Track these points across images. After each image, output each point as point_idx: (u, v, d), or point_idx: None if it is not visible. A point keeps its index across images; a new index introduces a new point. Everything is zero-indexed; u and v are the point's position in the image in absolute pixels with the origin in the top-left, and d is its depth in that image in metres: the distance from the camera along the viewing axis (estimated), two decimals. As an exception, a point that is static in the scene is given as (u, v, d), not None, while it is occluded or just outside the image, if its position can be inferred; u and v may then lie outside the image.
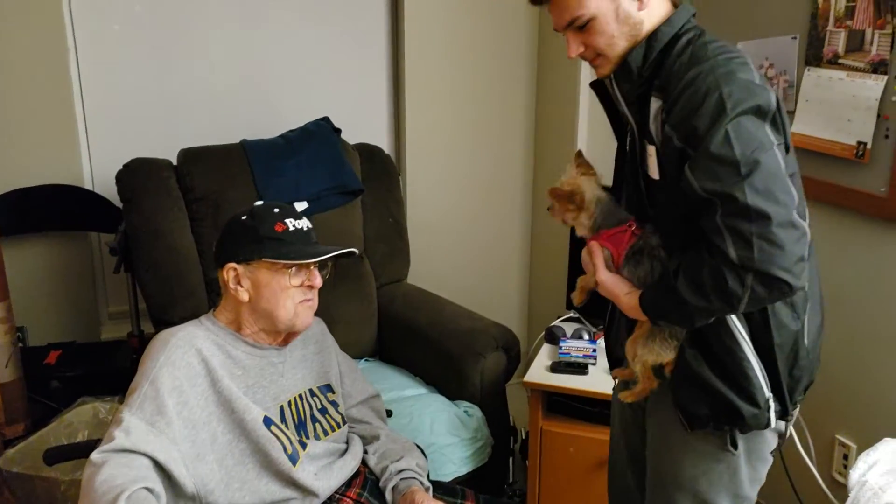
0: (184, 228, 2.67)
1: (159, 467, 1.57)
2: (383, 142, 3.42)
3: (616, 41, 1.50)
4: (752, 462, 1.64)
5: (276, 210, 1.82)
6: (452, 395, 2.64)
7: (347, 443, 1.94)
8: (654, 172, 1.52)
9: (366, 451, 1.96)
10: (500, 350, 2.62)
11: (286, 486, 1.74)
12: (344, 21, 3.28)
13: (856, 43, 2.14)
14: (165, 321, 2.60)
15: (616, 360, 1.83)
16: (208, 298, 2.67)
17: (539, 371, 2.49)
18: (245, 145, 2.81)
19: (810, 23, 2.27)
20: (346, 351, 2.44)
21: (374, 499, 1.86)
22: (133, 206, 2.64)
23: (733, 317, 1.49)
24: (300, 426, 1.83)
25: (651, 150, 1.51)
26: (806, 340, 1.55)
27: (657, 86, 1.48)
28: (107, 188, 2.90)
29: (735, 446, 1.59)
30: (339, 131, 2.99)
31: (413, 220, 3.39)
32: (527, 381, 2.44)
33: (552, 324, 2.78)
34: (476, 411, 2.56)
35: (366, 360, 2.92)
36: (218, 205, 2.69)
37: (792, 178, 1.46)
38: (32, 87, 2.82)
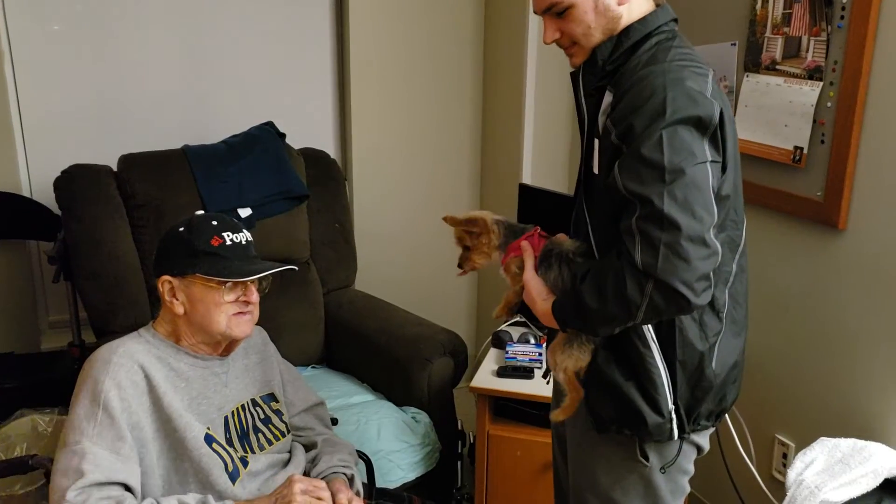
0: (125, 236, 2.62)
1: (130, 491, 1.60)
2: (330, 147, 3.40)
3: (592, 32, 1.50)
4: (670, 473, 1.63)
5: (215, 223, 1.78)
6: (400, 401, 2.63)
7: (291, 452, 1.92)
8: (597, 167, 1.52)
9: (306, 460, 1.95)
10: (447, 355, 2.62)
11: None
12: (287, 24, 3.25)
13: (792, 49, 2.18)
14: (107, 331, 2.56)
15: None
16: (151, 307, 2.62)
17: (485, 376, 2.49)
18: (187, 151, 2.77)
19: (749, 29, 2.31)
20: (292, 358, 2.41)
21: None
22: (72, 213, 2.59)
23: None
24: (243, 437, 1.81)
25: (597, 143, 1.51)
26: (714, 364, 1.55)
27: (614, 81, 1.49)
28: (45, 195, 2.83)
29: (646, 457, 1.60)
30: (283, 136, 2.96)
31: (361, 226, 3.38)
32: (473, 387, 2.45)
33: (499, 328, 2.79)
34: (424, 417, 2.56)
35: (313, 368, 2.90)
36: (160, 211, 2.65)
37: (725, 199, 1.47)
38: (-36, 92, 2.75)
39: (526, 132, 3.21)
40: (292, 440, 1.95)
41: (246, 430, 1.83)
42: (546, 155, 3.27)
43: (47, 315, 3.11)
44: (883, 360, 2.03)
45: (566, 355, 1.60)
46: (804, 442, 2.00)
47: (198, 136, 2.93)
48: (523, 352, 2.59)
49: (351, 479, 1.88)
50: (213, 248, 1.73)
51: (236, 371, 1.87)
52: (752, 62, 2.31)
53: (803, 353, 2.26)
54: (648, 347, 1.51)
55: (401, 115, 3.44)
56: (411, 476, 2.44)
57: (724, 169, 1.44)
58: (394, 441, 2.43)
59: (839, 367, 2.16)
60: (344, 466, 1.90)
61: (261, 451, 1.83)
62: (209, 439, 1.72)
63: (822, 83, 2.10)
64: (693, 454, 1.67)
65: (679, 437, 1.57)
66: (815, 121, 2.13)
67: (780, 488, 2.11)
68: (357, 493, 1.86)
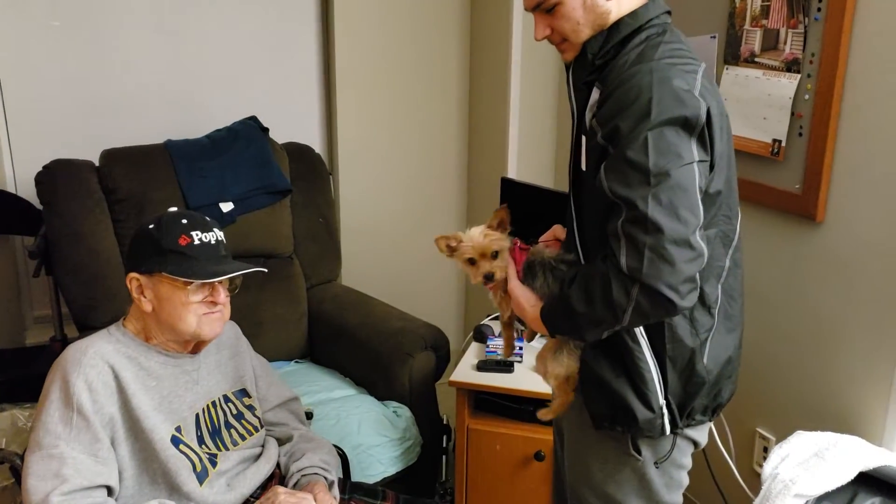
0: (106, 230, 2.62)
1: (111, 491, 1.63)
2: (315, 142, 3.39)
3: (581, 28, 1.49)
4: (664, 468, 1.63)
5: (184, 221, 1.76)
6: (382, 395, 2.63)
7: (263, 446, 1.91)
8: (584, 164, 1.51)
9: (280, 454, 1.95)
10: (428, 349, 2.61)
11: None
12: (273, 19, 3.24)
13: (771, 42, 2.17)
14: (89, 325, 2.56)
15: None
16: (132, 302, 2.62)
17: (465, 370, 2.49)
18: (168, 146, 2.77)
19: (728, 22, 2.30)
20: (275, 353, 2.43)
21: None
22: (53, 208, 2.59)
23: None
24: (215, 434, 1.81)
25: (584, 140, 1.50)
26: (705, 360, 1.54)
27: (602, 77, 1.48)
28: (30, 190, 2.82)
29: (638, 451, 1.59)
30: (266, 130, 2.96)
31: (346, 221, 3.38)
32: (452, 381, 2.44)
33: (481, 322, 2.78)
34: (405, 411, 2.56)
35: (296, 362, 2.90)
36: (141, 206, 2.65)
37: (716, 195, 1.47)
38: (-52, 88, 2.75)
39: (511, 127, 3.21)
40: (266, 435, 1.95)
41: (218, 427, 1.82)
42: (532, 150, 3.26)
43: (32, 310, 3.10)
44: (859, 354, 2.03)
45: (556, 363, 1.61)
46: (784, 435, 2.00)
47: (183, 131, 2.92)
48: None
49: (331, 485, 1.88)
50: (180, 247, 1.71)
51: (208, 367, 1.87)
52: (732, 55, 2.30)
53: (783, 347, 2.25)
54: (637, 343, 1.51)
55: (387, 109, 3.43)
56: (392, 470, 2.44)
57: (712, 166, 1.43)
58: (374, 435, 2.43)
59: (817, 360, 2.15)
60: (325, 470, 1.90)
61: (234, 446, 1.83)
62: (176, 441, 1.71)
63: (799, 75, 2.09)
64: (689, 448, 1.66)
65: (672, 432, 1.57)
66: (793, 113, 2.12)
67: (760, 481, 2.11)
68: (335, 498, 1.86)
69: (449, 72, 3.51)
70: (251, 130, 2.91)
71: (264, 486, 1.85)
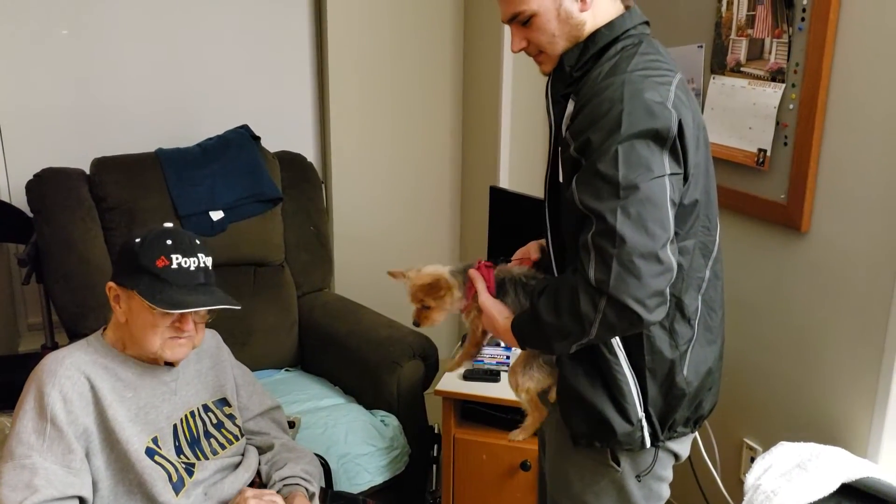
0: (96, 238, 2.63)
1: (83, 502, 1.62)
2: (309, 150, 3.41)
3: (557, 40, 1.50)
4: (644, 480, 1.61)
5: (169, 242, 1.71)
6: (370, 404, 2.63)
7: (243, 455, 1.91)
8: (561, 176, 1.51)
9: (261, 462, 1.95)
10: (416, 358, 2.61)
11: None
12: (266, 27, 3.25)
13: (756, 51, 2.17)
14: (79, 333, 2.56)
15: None
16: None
17: (452, 379, 2.49)
18: (159, 154, 2.78)
19: (715, 31, 2.30)
20: (265, 361, 2.43)
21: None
22: (43, 216, 2.60)
23: None
24: (194, 443, 1.81)
25: (560, 150, 1.50)
26: (685, 372, 1.53)
27: (577, 90, 1.48)
28: (23, 198, 2.84)
29: (617, 462, 1.58)
30: (258, 139, 2.96)
31: (339, 230, 3.39)
32: (438, 390, 2.44)
33: (470, 331, 2.78)
34: (392, 420, 2.56)
35: (286, 371, 2.90)
36: (132, 214, 2.66)
37: (693, 206, 1.46)
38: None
39: (503, 136, 3.21)
40: (246, 444, 1.95)
41: (197, 437, 1.82)
42: (523, 159, 3.26)
43: (26, 317, 3.12)
44: (843, 364, 2.02)
45: (527, 377, 1.62)
46: (771, 446, 1.99)
47: (176, 140, 2.93)
48: (491, 355, 2.58)
49: (312, 496, 1.88)
50: (156, 268, 1.68)
51: (187, 377, 1.86)
52: (718, 64, 2.30)
53: (767, 356, 2.25)
54: (615, 354, 1.50)
55: (380, 118, 3.44)
56: (379, 479, 2.43)
57: (686, 178, 1.42)
58: (361, 444, 2.43)
59: (802, 370, 2.14)
60: (306, 480, 1.90)
61: (213, 455, 1.83)
62: (150, 452, 1.71)
63: (784, 85, 2.09)
64: (670, 461, 1.65)
65: (653, 444, 1.56)
66: (777, 123, 2.12)
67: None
68: None
69: (442, 81, 3.51)
70: (242, 139, 2.92)
71: (243, 495, 1.84)
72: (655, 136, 1.35)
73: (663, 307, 1.36)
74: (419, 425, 2.64)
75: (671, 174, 1.37)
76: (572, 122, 1.43)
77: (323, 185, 3.19)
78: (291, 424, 2.22)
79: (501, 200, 2.74)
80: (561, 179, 1.50)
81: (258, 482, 1.91)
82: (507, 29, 3.02)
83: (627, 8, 1.53)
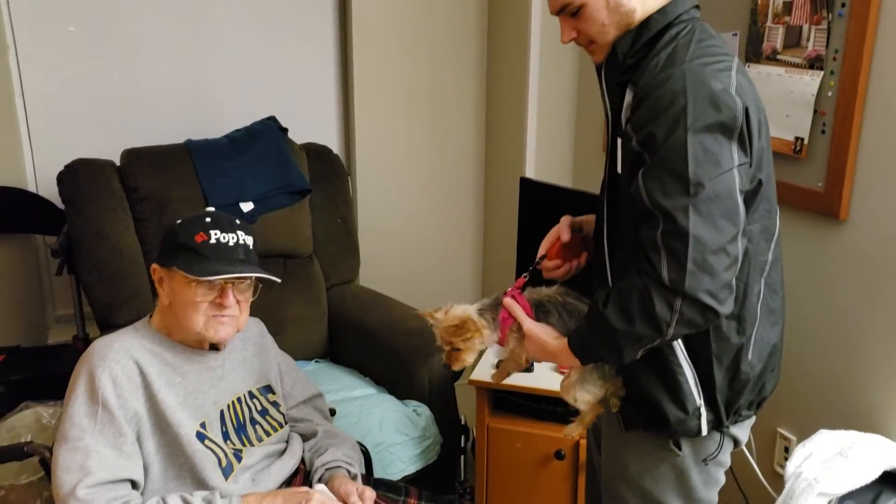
0: (127, 229, 2.64)
1: (135, 485, 1.64)
2: (333, 142, 3.40)
3: (607, 29, 1.48)
4: (705, 465, 1.61)
5: (208, 220, 1.73)
6: (401, 394, 2.64)
7: (287, 442, 1.92)
8: (620, 166, 1.49)
9: (304, 450, 1.96)
10: (448, 348, 2.61)
11: None
12: (291, 19, 3.25)
13: (793, 39, 2.16)
14: (111, 324, 2.58)
15: None
16: (154, 300, 2.63)
17: (485, 368, 2.49)
18: (189, 145, 2.79)
19: (750, 19, 2.29)
20: (296, 352, 2.41)
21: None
22: (75, 207, 2.60)
23: None
24: (240, 430, 1.82)
25: (620, 142, 1.48)
26: (750, 355, 1.53)
27: (635, 77, 1.45)
28: (51, 190, 2.85)
29: (679, 447, 1.58)
30: (285, 130, 2.97)
31: (364, 221, 3.38)
32: (472, 380, 2.44)
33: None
34: (425, 410, 2.56)
35: (316, 362, 2.90)
36: (163, 205, 2.66)
37: (758, 189, 1.45)
38: (-30, 87, 2.77)
39: (529, 126, 3.20)
40: (290, 431, 1.95)
41: (243, 423, 1.83)
42: (549, 149, 3.25)
43: (54, 309, 3.12)
44: (883, 352, 2.01)
45: (585, 391, 1.61)
46: (805, 435, 1.98)
47: (201, 131, 2.94)
48: (524, 345, 2.57)
49: (354, 478, 1.89)
50: (195, 244, 1.69)
51: (233, 363, 1.87)
52: (754, 52, 2.29)
53: (804, 346, 2.24)
54: (671, 347, 1.49)
55: (404, 109, 3.44)
56: (412, 469, 2.44)
57: (751, 164, 1.41)
58: (395, 434, 2.44)
59: (840, 359, 2.14)
60: (348, 463, 1.90)
61: (259, 442, 1.84)
62: (201, 436, 1.72)
63: (822, 72, 2.08)
64: (730, 447, 1.65)
65: (716, 430, 1.56)
66: (815, 111, 2.10)
67: (781, 482, 2.10)
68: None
69: (466, 71, 3.51)
70: (270, 130, 2.92)
71: (289, 482, 1.86)
72: (722, 128, 1.33)
73: (731, 297, 1.36)
74: (450, 415, 2.64)
75: (739, 165, 1.35)
76: (633, 113, 1.41)
77: (348, 178, 3.19)
78: (333, 412, 2.23)
79: (532, 191, 2.73)
80: (619, 170, 1.49)
81: (303, 469, 1.92)
82: (534, 17, 3.08)
83: None
